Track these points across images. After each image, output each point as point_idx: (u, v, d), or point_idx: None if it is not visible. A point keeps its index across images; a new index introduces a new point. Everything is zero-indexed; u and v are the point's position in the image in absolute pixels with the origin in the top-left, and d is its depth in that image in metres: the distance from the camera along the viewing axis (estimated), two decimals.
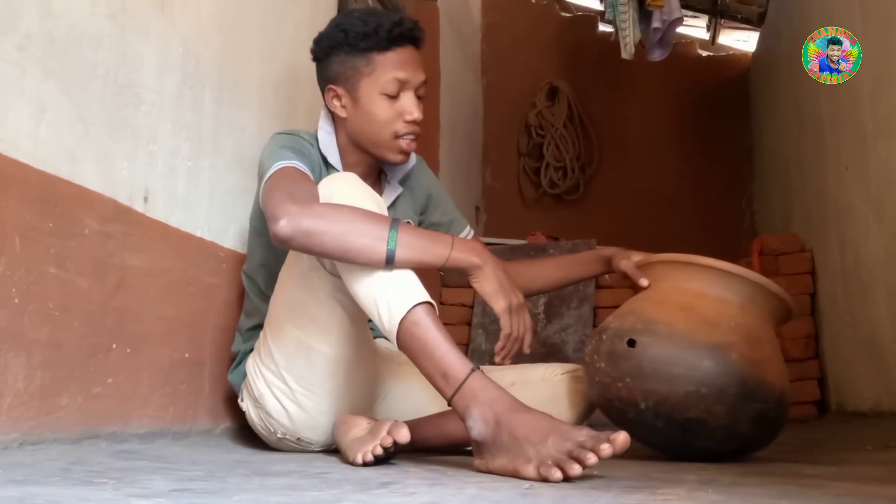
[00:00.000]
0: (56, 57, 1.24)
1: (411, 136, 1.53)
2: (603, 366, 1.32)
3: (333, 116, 1.59)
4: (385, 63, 1.50)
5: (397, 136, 1.52)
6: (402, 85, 1.50)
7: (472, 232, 1.80)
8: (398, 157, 1.55)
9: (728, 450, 1.33)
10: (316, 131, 1.60)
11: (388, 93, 1.50)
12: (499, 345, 1.32)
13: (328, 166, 1.57)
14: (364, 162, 1.59)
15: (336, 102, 1.55)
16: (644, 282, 1.44)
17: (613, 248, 1.63)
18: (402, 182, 1.68)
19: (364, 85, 1.51)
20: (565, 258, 1.76)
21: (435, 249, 1.24)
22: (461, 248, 1.26)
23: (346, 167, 1.57)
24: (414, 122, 1.52)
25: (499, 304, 1.28)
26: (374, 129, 1.52)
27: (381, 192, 1.64)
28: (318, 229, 1.21)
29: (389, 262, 1.20)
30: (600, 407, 1.39)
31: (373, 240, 1.20)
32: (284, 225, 1.21)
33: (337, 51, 1.53)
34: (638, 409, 1.28)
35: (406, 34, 1.51)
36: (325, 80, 1.56)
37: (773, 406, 1.30)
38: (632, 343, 1.30)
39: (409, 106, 1.51)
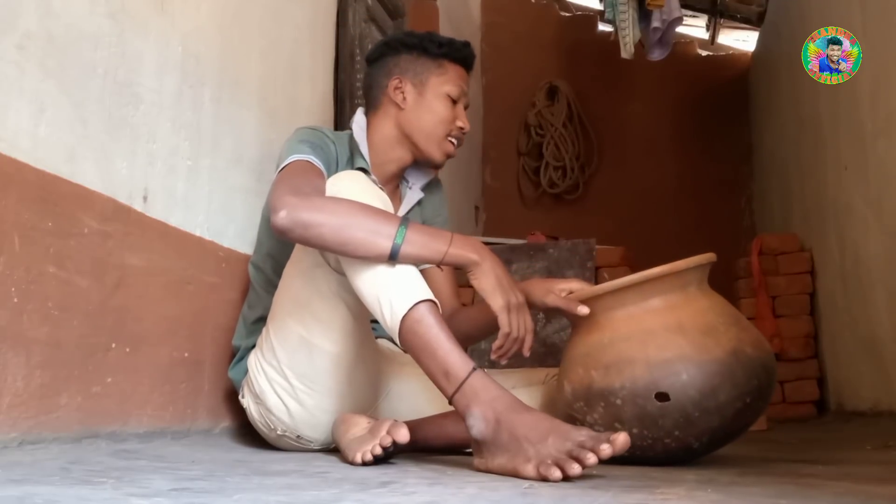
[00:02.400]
0: (55, 56, 1.24)
1: (456, 142, 1.64)
2: (636, 431, 1.18)
3: (375, 115, 1.64)
4: (454, 71, 1.64)
5: (448, 136, 1.62)
6: (461, 95, 1.64)
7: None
8: (441, 157, 1.64)
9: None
10: (340, 131, 1.64)
11: (452, 95, 1.62)
12: (496, 343, 1.28)
13: (355, 156, 1.60)
14: (399, 160, 1.64)
15: (399, 93, 1.62)
16: (584, 310, 1.30)
17: (526, 283, 1.49)
18: (422, 190, 1.72)
19: (434, 82, 1.61)
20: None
21: (433, 245, 1.24)
22: (459, 244, 1.26)
23: (375, 167, 1.62)
24: (462, 131, 1.64)
25: (496, 302, 1.26)
26: (434, 122, 1.61)
27: (401, 197, 1.69)
28: (317, 221, 1.22)
29: (393, 258, 1.21)
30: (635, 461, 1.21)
31: (372, 234, 1.21)
32: (284, 216, 1.23)
33: (410, 50, 1.64)
34: (689, 450, 1.22)
35: (470, 59, 1.67)
36: (390, 73, 1.64)
37: (777, 373, 1.32)
38: (663, 397, 1.18)
39: (463, 116, 1.64)
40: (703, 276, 1.33)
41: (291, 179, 1.33)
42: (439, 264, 1.27)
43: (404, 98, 1.62)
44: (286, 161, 1.41)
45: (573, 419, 1.26)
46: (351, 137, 1.62)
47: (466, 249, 1.26)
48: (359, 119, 1.65)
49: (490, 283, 1.26)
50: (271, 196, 1.31)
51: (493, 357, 1.31)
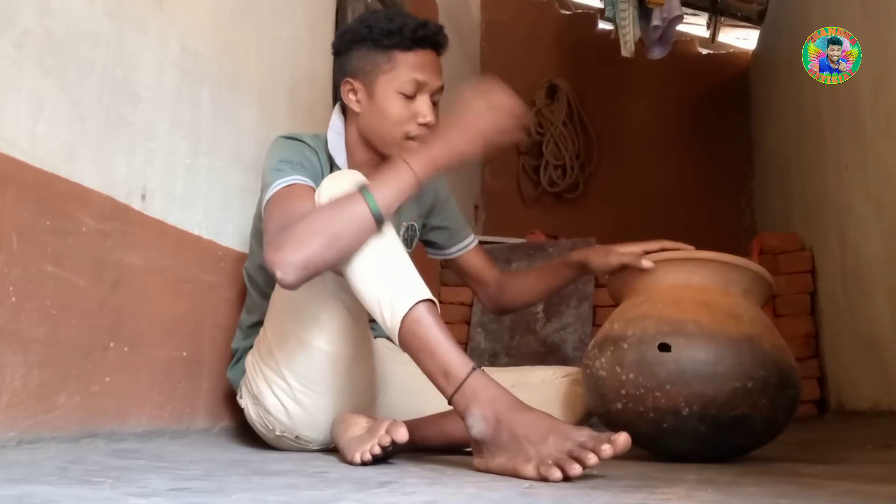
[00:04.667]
0: (54, 54, 1.23)
1: (419, 140, 1.50)
2: (632, 377, 1.24)
3: (345, 113, 1.59)
4: (405, 62, 1.49)
5: (408, 137, 1.50)
6: (420, 87, 1.49)
7: (476, 240, 1.80)
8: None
9: (761, 442, 1.32)
10: (321, 133, 1.58)
11: (404, 92, 1.48)
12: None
13: (333, 167, 1.56)
14: (371, 161, 1.57)
15: (351, 96, 1.54)
16: (647, 263, 1.39)
17: (584, 250, 1.62)
18: None
19: (382, 81, 1.49)
20: (542, 268, 1.74)
21: (401, 184, 1.23)
22: (417, 162, 1.24)
23: (353, 167, 1.56)
24: (426, 126, 1.50)
25: (476, 143, 1.25)
26: (387, 126, 1.50)
27: None
28: (308, 255, 1.19)
29: (381, 221, 1.21)
30: (623, 424, 1.22)
31: (351, 221, 1.19)
32: (282, 277, 1.19)
33: (359, 45, 1.52)
34: (678, 417, 1.22)
35: (430, 37, 1.50)
36: (344, 73, 1.54)
37: (799, 391, 1.31)
38: (665, 347, 1.23)
39: (424, 109, 1.49)
40: (751, 287, 1.37)
41: (276, 218, 1.29)
42: (420, 187, 1.26)
43: (357, 101, 1.53)
44: (270, 191, 1.35)
45: (586, 368, 1.36)
46: (326, 143, 1.55)
47: (424, 159, 1.25)
48: (334, 123, 1.58)
49: (462, 143, 1.25)
50: (265, 252, 1.24)
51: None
